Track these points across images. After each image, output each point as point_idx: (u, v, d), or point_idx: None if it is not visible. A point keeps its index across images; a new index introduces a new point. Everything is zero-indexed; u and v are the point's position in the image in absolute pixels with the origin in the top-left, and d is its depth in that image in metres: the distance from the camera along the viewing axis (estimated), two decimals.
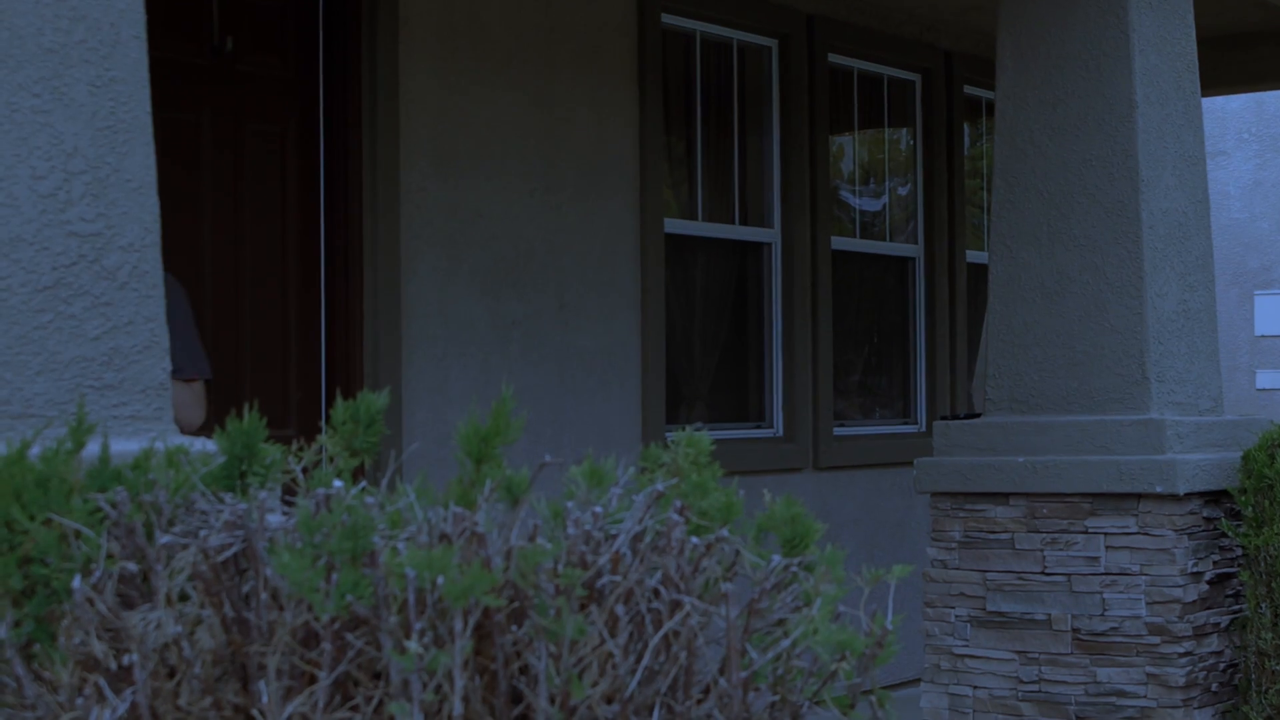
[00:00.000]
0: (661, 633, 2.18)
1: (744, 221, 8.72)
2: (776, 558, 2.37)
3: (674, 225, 8.22)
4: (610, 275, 7.78)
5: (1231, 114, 14.35)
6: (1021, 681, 6.08)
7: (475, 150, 7.18)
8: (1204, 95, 11.34)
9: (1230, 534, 5.97)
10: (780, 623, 2.40)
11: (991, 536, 6.15)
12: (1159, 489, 5.85)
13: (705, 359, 8.65)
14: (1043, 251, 6.25)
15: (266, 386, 6.63)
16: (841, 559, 2.39)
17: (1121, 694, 5.88)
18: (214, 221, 6.51)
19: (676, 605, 2.25)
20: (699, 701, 2.32)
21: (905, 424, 9.66)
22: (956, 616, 6.22)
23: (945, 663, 6.24)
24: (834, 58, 9.14)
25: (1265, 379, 13.85)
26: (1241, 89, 11.67)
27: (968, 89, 10.01)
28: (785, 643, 2.25)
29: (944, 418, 7.25)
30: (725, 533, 2.45)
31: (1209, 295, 6.43)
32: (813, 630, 2.25)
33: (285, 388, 6.70)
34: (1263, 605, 5.88)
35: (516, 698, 2.24)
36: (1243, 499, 5.94)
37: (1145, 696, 5.84)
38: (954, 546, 6.24)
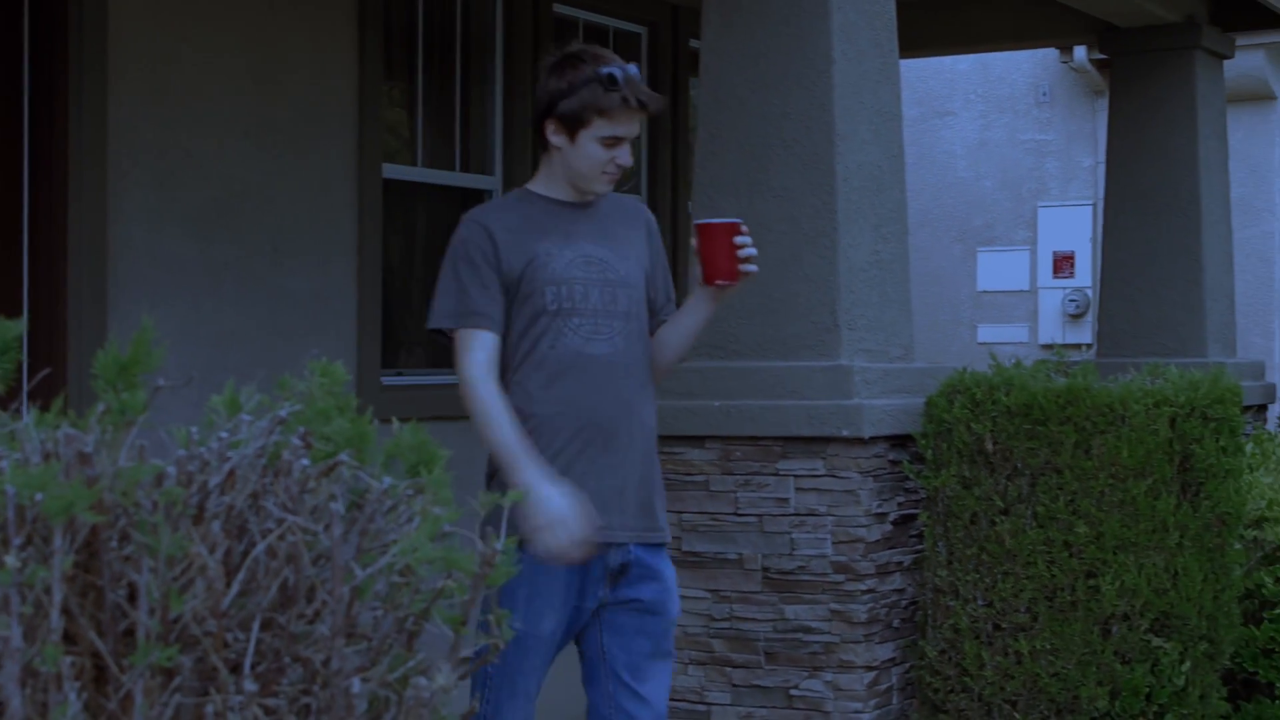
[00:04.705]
0: (260, 548, 2.26)
1: (465, 168, 8.78)
2: (387, 480, 2.46)
3: (393, 170, 8.25)
4: (326, 219, 7.78)
5: (960, 75, 14.73)
6: (714, 619, 6.25)
7: (188, 91, 7.14)
8: (921, 56, 11.69)
9: (913, 476, 6.19)
10: (395, 543, 2.49)
11: (688, 479, 6.30)
12: (845, 433, 6.03)
13: (424, 305, 8.69)
14: (742, 201, 6.40)
15: None
16: (448, 481, 2.48)
17: (807, 630, 6.08)
18: None
19: (282, 524, 2.33)
20: (311, 620, 2.40)
21: None
22: None
23: None
24: (560, 8, 9.23)
25: (986, 333, 14.29)
26: (959, 50, 12.01)
27: (693, 42, 10.14)
28: (385, 559, 2.34)
29: None
30: (345, 457, 2.53)
31: (902, 246, 6.63)
32: (413, 548, 2.34)
33: None
34: (939, 544, 6.12)
35: (125, 614, 2.30)
36: (924, 442, 6.16)
37: (829, 632, 6.04)
38: None
